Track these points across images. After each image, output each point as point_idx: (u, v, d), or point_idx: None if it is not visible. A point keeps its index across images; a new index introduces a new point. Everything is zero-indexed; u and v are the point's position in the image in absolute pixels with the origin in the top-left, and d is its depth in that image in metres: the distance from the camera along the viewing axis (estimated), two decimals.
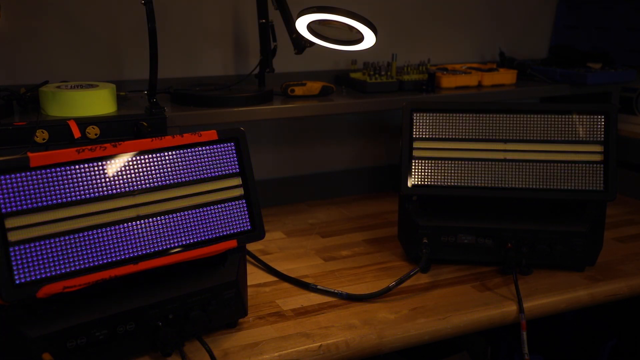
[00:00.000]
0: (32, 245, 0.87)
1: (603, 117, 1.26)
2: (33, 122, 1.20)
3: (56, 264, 0.88)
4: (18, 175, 0.86)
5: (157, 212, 0.97)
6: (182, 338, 0.97)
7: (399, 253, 1.38)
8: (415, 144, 1.29)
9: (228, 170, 1.03)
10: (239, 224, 1.04)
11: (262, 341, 1.03)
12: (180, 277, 1.00)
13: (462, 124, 1.29)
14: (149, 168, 0.96)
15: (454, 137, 1.29)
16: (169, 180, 0.98)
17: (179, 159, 0.99)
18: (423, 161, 1.29)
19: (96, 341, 0.91)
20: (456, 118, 1.29)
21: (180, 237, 0.99)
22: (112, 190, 0.93)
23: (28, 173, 0.87)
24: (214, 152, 1.02)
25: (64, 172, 0.90)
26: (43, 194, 0.88)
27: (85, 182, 0.91)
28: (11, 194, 0.86)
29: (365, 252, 1.39)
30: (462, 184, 1.28)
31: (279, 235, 1.49)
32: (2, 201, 0.85)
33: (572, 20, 2.02)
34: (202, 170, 1.01)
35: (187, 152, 1.00)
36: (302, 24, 1.37)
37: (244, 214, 1.04)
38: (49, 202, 0.88)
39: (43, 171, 0.88)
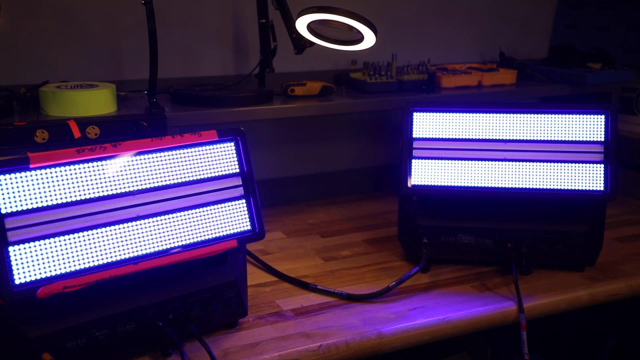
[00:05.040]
0: (32, 245, 0.87)
1: (603, 117, 1.26)
2: (33, 122, 1.20)
3: (56, 264, 0.88)
4: (18, 175, 0.86)
5: (157, 212, 0.97)
6: (182, 338, 0.97)
7: (399, 253, 1.38)
8: (415, 144, 1.29)
9: (228, 170, 1.03)
10: (239, 224, 1.04)
11: (262, 341, 1.03)
12: (180, 277, 1.00)
13: (462, 123, 1.29)
14: (149, 168, 0.96)
15: (453, 136, 1.29)
16: (169, 180, 0.98)
17: (179, 159, 0.99)
18: (423, 161, 1.29)
19: (96, 341, 0.91)
20: (456, 118, 1.29)
21: (180, 237, 0.99)
22: (112, 190, 0.93)
23: (28, 173, 0.87)
24: (214, 152, 1.02)
25: (64, 172, 0.90)
26: (43, 194, 0.88)
27: (85, 182, 0.91)
28: (11, 194, 0.86)
29: (365, 252, 1.39)
30: (462, 184, 1.28)
31: (279, 235, 1.49)
32: (2, 201, 0.85)
33: (572, 20, 2.02)
34: (202, 170, 1.01)
35: (187, 152, 1.00)
36: (302, 24, 1.37)
37: (244, 214, 1.04)
38: (49, 202, 0.88)
39: (43, 171, 0.88)
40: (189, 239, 0.99)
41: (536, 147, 1.27)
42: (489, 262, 1.30)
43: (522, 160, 1.27)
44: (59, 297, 0.89)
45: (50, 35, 1.46)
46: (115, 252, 0.93)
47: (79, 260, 0.90)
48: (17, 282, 0.86)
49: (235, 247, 1.03)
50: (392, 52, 1.67)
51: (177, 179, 0.99)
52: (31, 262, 0.87)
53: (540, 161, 1.27)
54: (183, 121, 1.35)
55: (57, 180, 0.89)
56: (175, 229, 0.98)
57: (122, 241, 0.94)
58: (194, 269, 1.02)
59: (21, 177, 0.87)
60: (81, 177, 0.91)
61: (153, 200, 0.97)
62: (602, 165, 1.25)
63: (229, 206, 1.03)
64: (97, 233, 0.92)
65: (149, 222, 0.96)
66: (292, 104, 1.47)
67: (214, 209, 1.02)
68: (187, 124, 1.36)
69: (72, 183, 0.90)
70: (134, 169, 0.95)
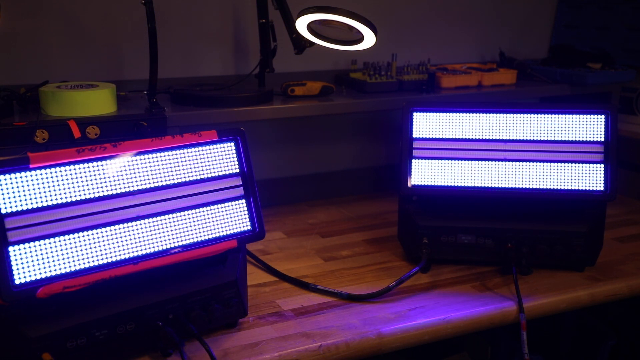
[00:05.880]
0: (32, 245, 0.87)
1: (603, 117, 1.26)
2: (33, 122, 1.20)
3: (56, 264, 0.88)
4: (18, 175, 0.86)
5: (157, 212, 0.97)
6: (182, 338, 0.97)
7: (399, 253, 1.38)
8: (415, 144, 1.29)
9: (228, 170, 1.03)
10: (239, 224, 1.04)
11: (262, 341, 1.03)
12: (180, 277, 1.00)
13: (462, 123, 1.29)
14: (149, 168, 0.96)
15: (453, 136, 1.29)
16: (169, 180, 0.98)
17: (179, 159, 0.99)
18: (423, 161, 1.29)
19: (96, 341, 0.91)
20: (456, 118, 1.29)
21: (180, 237, 0.99)
22: (112, 190, 0.93)
23: (28, 173, 0.87)
24: (214, 152, 1.02)
25: (64, 172, 0.90)
26: (43, 194, 0.88)
27: (85, 182, 0.91)
28: (11, 194, 0.86)
29: (365, 252, 1.39)
30: (462, 184, 1.28)
31: (279, 235, 1.49)
32: (2, 201, 0.85)
33: (572, 20, 2.02)
34: (202, 170, 1.01)
35: (187, 152, 1.00)
36: (302, 24, 1.37)
37: (244, 214, 1.04)
38: (49, 202, 0.88)
39: (43, 171, 0.88)
40: (189, 239, 0.99)
41: (536, 147, 1.27)
42: (489, 262, 1.30)
43: (522, 160, 1.27)
44: (59, 297, 0.89)
45: (50, 35, 1.47)
46: (115, 252, 0.93)
47: (79, 260, 0.90)
48: (17, 282, 0.86)
49: (235, 247, 1.03)
50: (392, 52, 1.67)
51: (177, 179, 0.99)
52: (31, 262, 0.87)
53: (540, 161, 1.27)
54: (183, 121, 1.35)
55: (57, 180, 0.89)
56: (175, 229, 0.98)
57: (122, 241, 0.94)
58: (194, 269, 1.02)
59: (21, 177, 0.87)
60: (81, 177, 0.91)
61: (153, 200, 0.97)
62: (602, 165, 1.25)
63: (229, 206, 1.03)
64: (97, 233, 0.92)
65: (149, 222, 0.96)
66: (292, 104, 1.47)
67: (214, 209, 1.02)
68: (187, 124, 1.36)
69: (72, 183, 0.90)
70: (134, 169, 0.95)
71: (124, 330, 0.93)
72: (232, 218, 1.03)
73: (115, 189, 0.94)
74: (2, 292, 0.84)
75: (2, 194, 0.85)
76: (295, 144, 1.75)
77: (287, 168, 1.75)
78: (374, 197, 1.78)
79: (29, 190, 0.87)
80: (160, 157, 0.98)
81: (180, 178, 0.99)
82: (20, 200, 0.86)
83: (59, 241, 0.89)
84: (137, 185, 0.95)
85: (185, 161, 1.00)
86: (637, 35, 1.88)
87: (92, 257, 0.91)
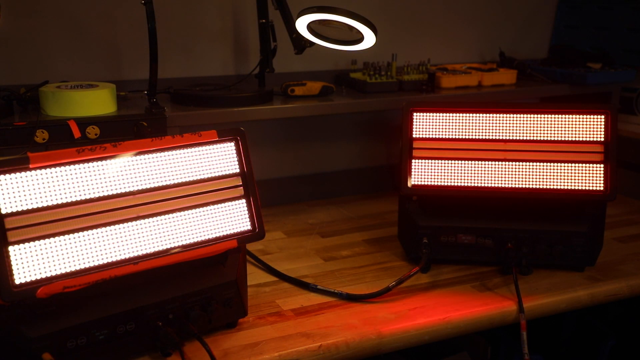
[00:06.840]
0: (32, 245, 0.87)
1: (603, 117, 1.26)
2: (33, 122, 1.20)
3: (56, 264, 0.88)
4: (18, 175, 0.86)
5: (157, 212, 0.97)
6: (182, 338, 0.97)
7: (399, 253, 1.38)
8: (415, 144, 1.29)
9: (228, 170, 1.03)
10: (239, 224, 1.04)
11: (262, 341, 1.03)
12: (180, 277, 1.00)
13: (462, 123, 1.29)
14: (149, 168, 0.96)
15: (453, 136, 1.29)
16: (169, 180, 0.98)
17: (179, 159, 0.99)
18: (423, 161, 1.29)
19: (96, 341, 0.91)
20: (456, 118, 1.29)
21: (180, 237, 0.99)
22: (112, 190, 0.93)
23: (28, 173, 0.87)
24: (213, 152, 1.02)
25: (64, 172, 0.90)
26: (43, 194, 0.88)
27: (85, 182, 0.91)
28: (11, 194, 0.86)
29: (365, 252, 1.39)
30: (462, 184, 1.28)
31: (279, 235, 1.49)
32: (2, 201, 0.85)
33: (572, 20, 2.02)
34: (202, 170, 1.01)
35: (187, 152, 1.00)
36: (302, 24, 1.37)
37: (244, 214, 1.04)
38: (49, 202, 0.88)
39: (43, 171, 0.88)
40: (189, 239, 0.99)
41: (536, 147, 1.27)
42: (489, 262, 1.30)
43: (522, 161, 1.27)
44: (59, 297, 0.89)
45: (50, 35, 1.47)
46: (115, 252, 0.93)
47: (79, 260, 0.90)
48: (17, 282, 0.85)
49: (235, 247, 1.03)
50: (392, 52, 1.67)
51: (177, 179, 0.99)
52: (31, 262, 0.87)
53: (540, 161, 1.27)
54: (183, 121, 1.35)
55: (57, 180, 0.89)
56: (175, 229, 0.98)
57: (122, 241, 0.94)
58: (194, 269, 1.02)
59: (21, 177, 0.87)
60: (81, 177, 0.91)
61: (153, 200, 0.96)
62: (602, 165, 1.25)
63: (228, 206, 1.03)
64: (97, 233, 0.92)
65: (149, 222, 0.96)
66: (292, 104, 1.47)
67: (214, 209, 1.02)
68: (187, 124, 1.36)
69: (72, 183, 0.90)
70: (134, 169, 0.95)
71: (124, 330, 0.93)
72: (232, 218, 1.03)
73: (115, 189, 0.93)
74: (2, 292, 0.84)
75: (2, 194, 0.85)
76: (295, 144, 1.75)
77: (287, 168, 1.75)
78: (374, 197, 1.78)
79: (29, 190, 0.87)
80: (160, 157, 0.98)
81: (180, 178, 0.99)
82: (20, 200, 0.86)
83: (59, 241, 0.89)
84: (137, 185, 0.95)
85: (185, 161, 1.00)
86: (637, 35, 1.88)
87: (92, 257, 0.91)
